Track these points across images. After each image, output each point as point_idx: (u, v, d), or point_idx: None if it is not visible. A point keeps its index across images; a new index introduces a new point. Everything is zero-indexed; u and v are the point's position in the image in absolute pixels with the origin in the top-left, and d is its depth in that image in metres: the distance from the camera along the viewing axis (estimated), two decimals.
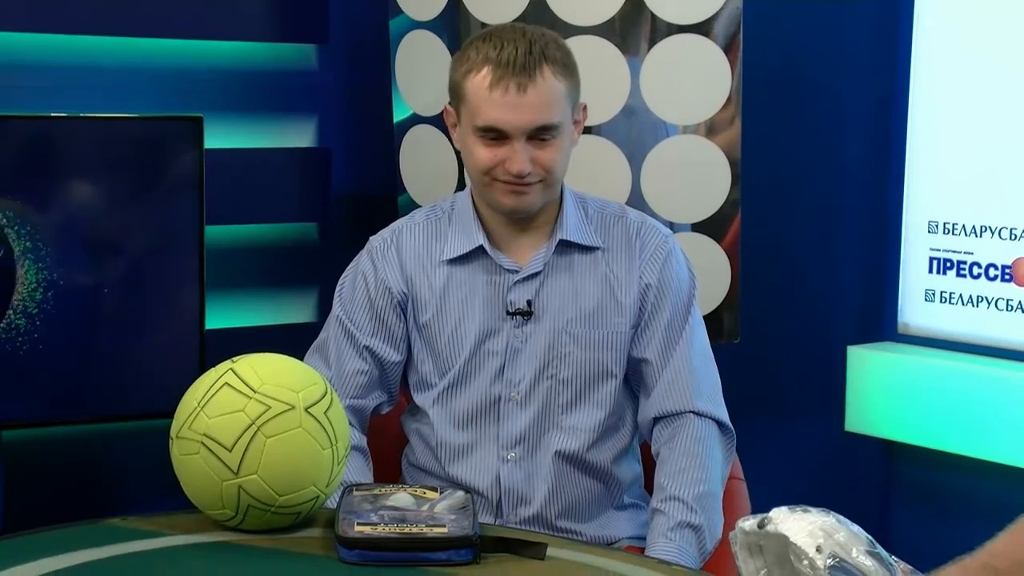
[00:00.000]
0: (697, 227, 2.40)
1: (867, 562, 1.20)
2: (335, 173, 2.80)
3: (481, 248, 1.98)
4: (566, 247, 1.99)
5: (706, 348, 2.02)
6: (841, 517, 1.25)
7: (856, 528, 1.24)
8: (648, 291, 1.99)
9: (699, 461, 1.91)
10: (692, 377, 1.97)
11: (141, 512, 1.79)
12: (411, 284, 2.01)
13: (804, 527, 1.22)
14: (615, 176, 2.37)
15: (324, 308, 2.70)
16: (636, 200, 2.36)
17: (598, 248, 2.00)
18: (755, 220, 2.53)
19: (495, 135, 1.89)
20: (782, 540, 1.22)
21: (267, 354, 1.66)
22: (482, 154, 1.90)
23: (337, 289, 2.06)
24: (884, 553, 1.23)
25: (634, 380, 2.02)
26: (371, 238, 2.07)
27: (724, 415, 1.99)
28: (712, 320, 2.37)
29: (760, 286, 2.66)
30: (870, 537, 1.25)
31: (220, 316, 2.60)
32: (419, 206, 2.44)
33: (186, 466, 1.61)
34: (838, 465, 2.80)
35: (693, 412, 1.96)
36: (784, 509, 1.24)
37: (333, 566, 1.52)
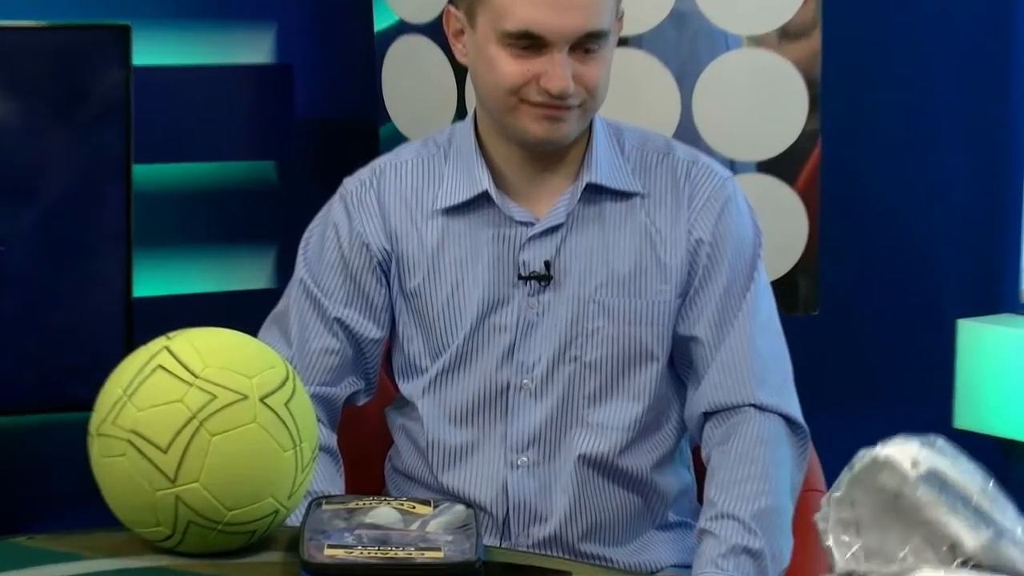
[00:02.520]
0: (764, 167, 2.40)
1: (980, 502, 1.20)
2: (298, 97, 2.80)
3: (486, 194, 1.99)
4: (595, 193, 2.00)
5: (773, 323, 2.03)
6: (961, 457, 1.24)
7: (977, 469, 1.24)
8: (699, 249, 1.99)
9: (761, 468, 1.92)
10: (754, 360, 1.98)
11: (52, 529, 1.79)
12: (396, 240, 2.02)
13: (903, 447, 1.23)
14: (659, 101, 2.37)
15: (285, 270, 2.70)
16: (686, 132, 2.36)
17: (636, 194, 2.01)
18: (839, 158, 2.54)
19: (528, 43, 1.89)
20: (873, 470, 1.22)
21: (212, 329, 1.66)
22: (510, 68, 1.91)
23: (301, 246, 2.07)
24: (1001, 503, 1.23)
25: (681, 365, 2.03)
26: (345, 181, 2.07)
27: (795, 409, 1.99)
28: (783, 287, 2.38)
29: (845, 243, 2.66)
30: (991, 486, 1.24)
31: (152, 281, 2.61)
32: (407, 139, 2.44)
33: (109, 471, 1.61)
34: None
35: (754, 405, 1.97)
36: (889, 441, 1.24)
37: None
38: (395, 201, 2.02)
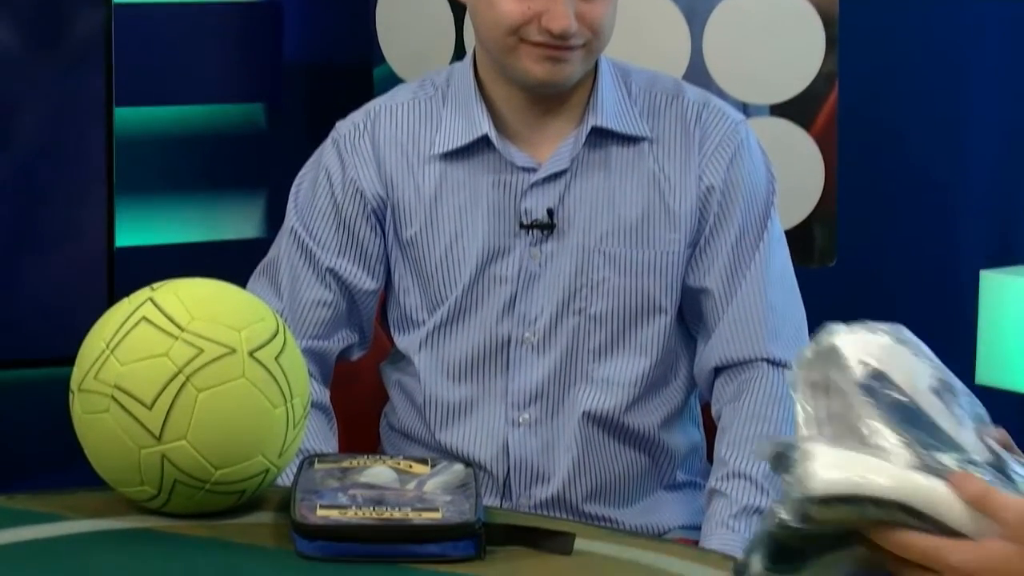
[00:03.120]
0: (779, 110, 2.40)
1: (923, 399, 1.20)
2: (288, 36, 2.80)
3: (486, 139, 1.99)
4: (601, 137, 2.00)
5: (787, 275, 2.03)
6: (926, 350, 1.24)
7: (937, 363, 1.24)
8: (710, 197, 1.99)
9: (773, 427, 1.93)
10: (767, 314, 1.98)
11: (33, 488, 1.79)
12: (391, 186, 2.01)
13: (861, 340, 1.23)
14: (668, 40, 2.37)
15: (274, 218, 2.70)
16: (696, 73, 2.36)
17: (644, 139, 2.00)
18: (857, 102, 2.54)
19: None
20: (830, 357, 1.22)
21: (198, 279, 1.66)
22: (510, 6, 1.91)
23: (292, 193, 2.07)
24: (961, 395, 1.22)
25: (691, 318, 2.03)
26: (338, 124, 2.07)
27: None
28: (798, 237, 2.38)
29: (863, 191, 2.66)
30: (949, 378, 1.23)
31: (134, 230, 2.60)
32: (403, 81, 2.43)
33: (92, 428, 1.61)
34: None
35: (767, 360, 1.97)
36: (853, 325, 1.25)
37: (288, 561, 1.52)
38: (390, 146, 2.01)
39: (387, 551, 1.52)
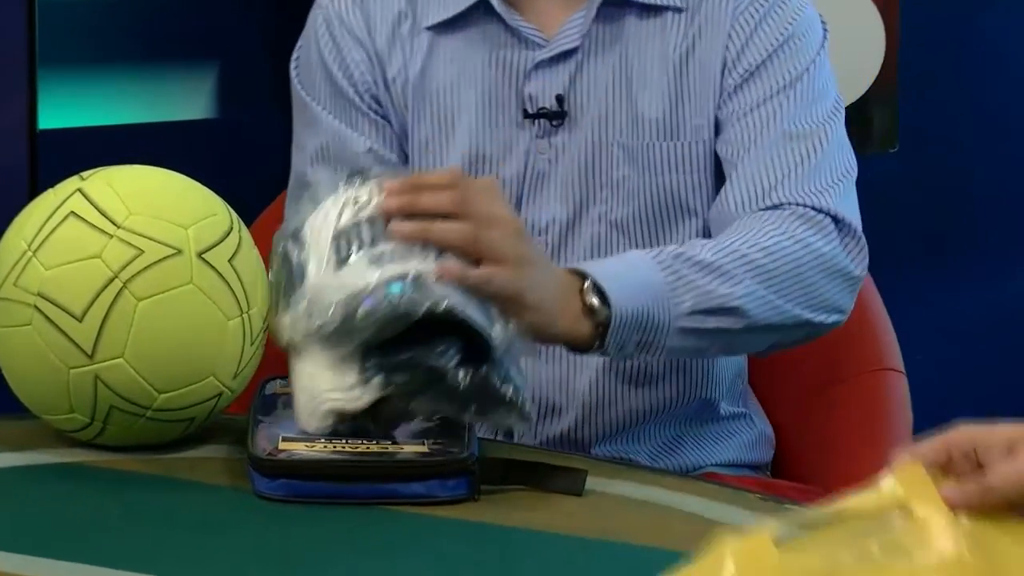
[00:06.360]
0: None
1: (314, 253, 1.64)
2: None
3: (484, 4, 1.98)
4: (617, 7, 1.99)
5: (836, 130, 1.99)
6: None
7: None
8: (741, 59, 1.98)
9: (755, 231, 1.87)
10: (801, 157, 1.94)
11: None
12: (380, 62, 2.01)
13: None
14: None
15: (226, 95, 2.71)
16: None
17: (668, 7, 1.99)
18: None
19: None
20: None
21: (137, 167, 1.67)
22: None
23: (292, 72, 2.06)
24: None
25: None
26: None
27: (844, 209, 1.93)
28: (853, 119, 2.32)
29: (929, 65, 2.66)
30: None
31: (61, 109, 2.60)
32: None
33: (12, 345, 1.62)
34: None
35: (795, 204, 1.92)
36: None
37: (244, 503, 1.54)
38: (381, 17, 2.01)
39: (362, 491, 1.53)
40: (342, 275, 1.60)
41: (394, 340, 1.58)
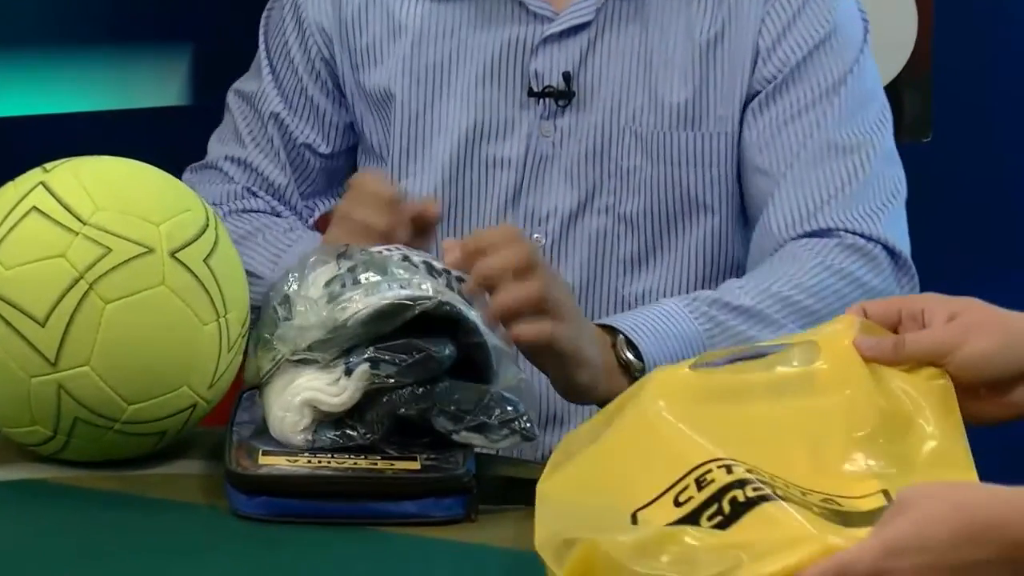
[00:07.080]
0: None
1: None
2: None
3: None
4: None
5: (885, 140, 2.02)
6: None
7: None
8: (776, 49, 1.99)
9: (796, 267, 1.91)
10: (845, 177, 1.96)
11: None
12: (349, 30, 2.04)
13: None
14: None
15: (200, 81, 2.75)
16: None
17: None
18: None
19: None
20: None
21: (104, 158, 1.69)
22: None
23: (264, 17, 2.11)
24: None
25: (754, 211, 2.03)
26: None
27: (896, 237, 1.96)
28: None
29: (965, 49, 2.67)
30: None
31: (18, 95, 2.64)
32: None
33: None
34: None
35: (842, 230, 1.95)
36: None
37: (221, 523, 1.55)
38: None
39: (350, 510, 1.55)
40: (332, 306, 1.63)
41: (384, 337, 1.60)
